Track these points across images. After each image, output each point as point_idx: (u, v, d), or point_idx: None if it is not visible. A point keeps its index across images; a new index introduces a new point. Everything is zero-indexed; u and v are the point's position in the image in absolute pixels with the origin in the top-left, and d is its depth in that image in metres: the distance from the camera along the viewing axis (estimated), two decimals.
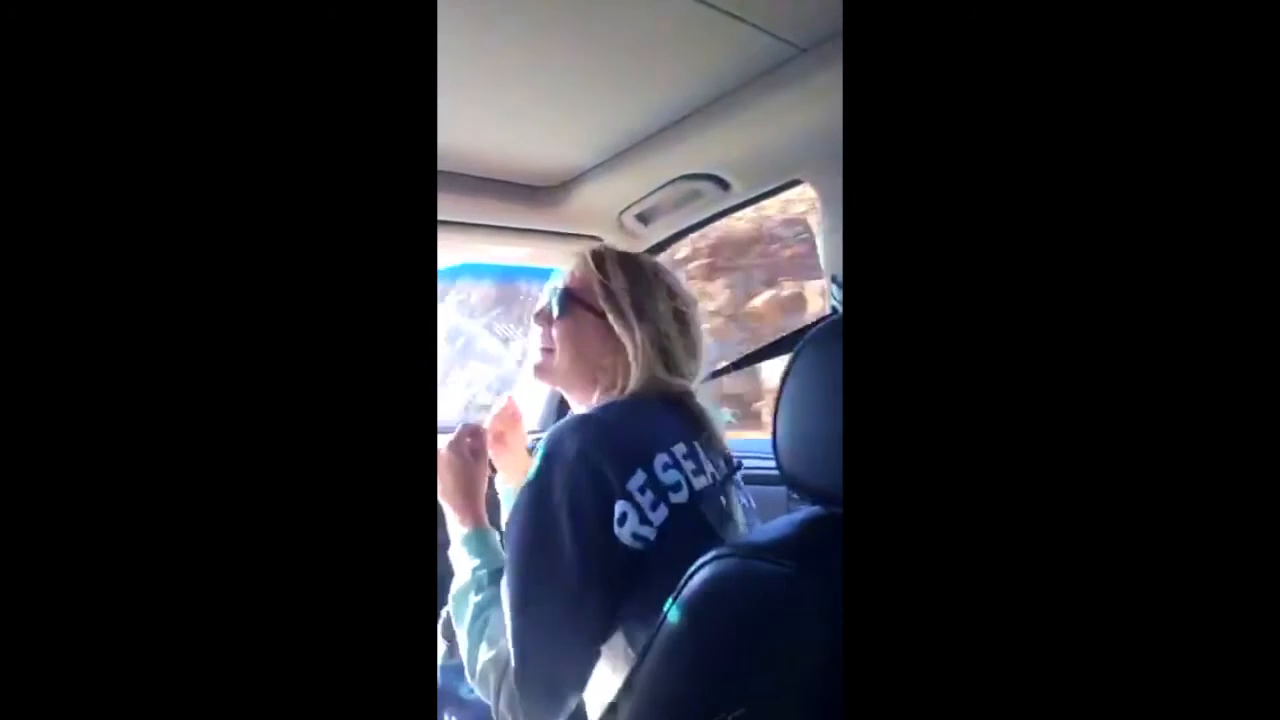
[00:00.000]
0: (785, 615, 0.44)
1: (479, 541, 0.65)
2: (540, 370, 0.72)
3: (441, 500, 0.68)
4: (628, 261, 0.69)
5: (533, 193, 1.01)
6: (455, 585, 0.64)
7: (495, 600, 0.61)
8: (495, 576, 0.62)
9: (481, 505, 0.68)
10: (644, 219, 1.12)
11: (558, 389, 0.74)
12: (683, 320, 0.68)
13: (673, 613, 0.49)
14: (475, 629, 0.60)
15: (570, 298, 0.69)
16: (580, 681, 0.57)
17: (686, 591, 0.49)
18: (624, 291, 0.66)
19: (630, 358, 0.65)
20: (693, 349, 0.68)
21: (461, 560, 0.65)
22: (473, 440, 0.71)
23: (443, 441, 0.69)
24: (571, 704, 0.58)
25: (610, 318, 0.66)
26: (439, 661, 0.76)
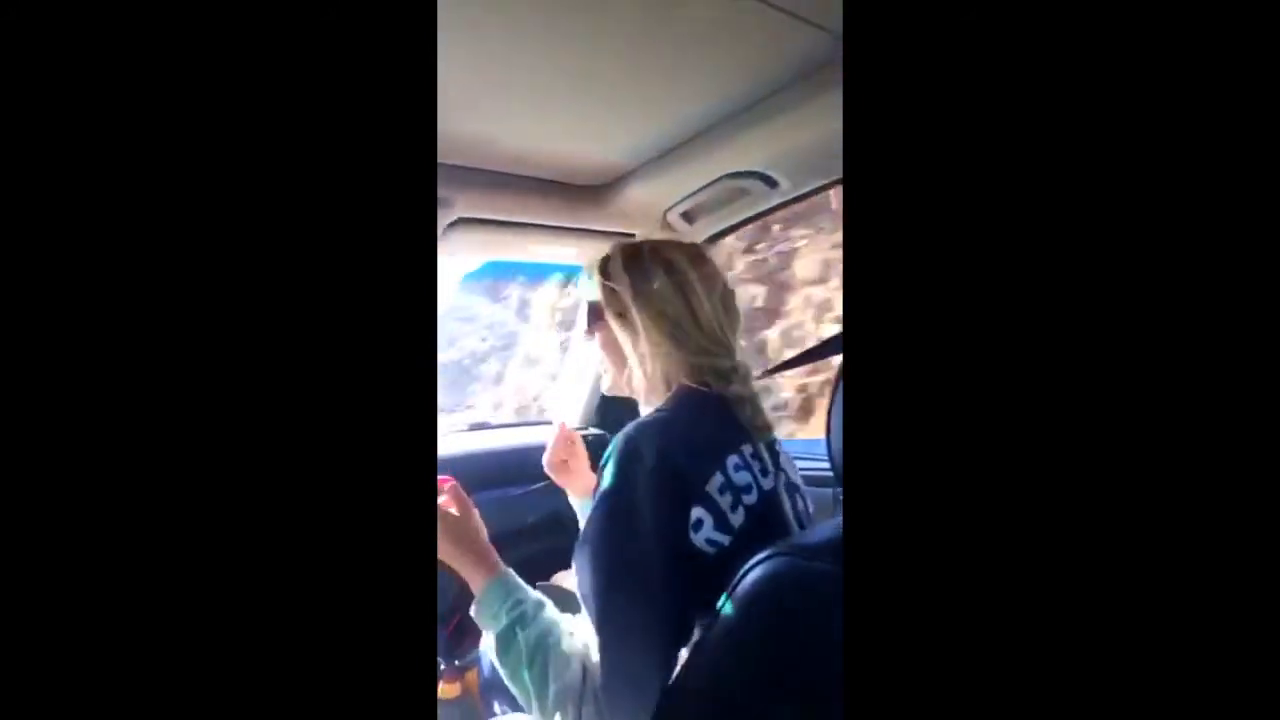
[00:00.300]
0: (837, 616, 0.44)
1: (503, 587, 0.63)
2: (613, 389, 0.74)
3: (448, 563, 0.65)
4: (628, 255, 0.69)
5: (579, 192, 1.02)
6: (494, 638, 0.61)
7: (547, 632, 0.60)
8: (536, 609, 0.62)
9: (492, 552, 0.66)
10: (689, 217, 1.12)
11: (623, 394, 0.74)
12: (683, 291, 0.65)
13: (724, 610, 0.49)
14: (536, 668, 0.58)
15: (591, 312, 0.72)
16: (661, 687, 0.55)
17: (739, 590, 0.48)
18: (625, 287, 0.66)
19: (642, 343, 0.66)
20: (695, 316, 0.65)
21: (491, 612, 0.62)
22: (452, 497, 0.69)
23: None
24: (650, 710, 0.57)
25: (616, 315, 0.68)
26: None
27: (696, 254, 0.70)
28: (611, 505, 0.57)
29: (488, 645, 0.63)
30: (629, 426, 0.60)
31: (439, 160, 0.85)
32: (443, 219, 0.91)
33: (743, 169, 0.95)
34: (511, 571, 0.66)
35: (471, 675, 1.04)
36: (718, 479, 0.57)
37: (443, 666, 1.04)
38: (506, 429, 1.53)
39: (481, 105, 0.73)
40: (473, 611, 0.64)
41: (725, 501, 0.56)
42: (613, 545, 0.57)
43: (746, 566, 0.48)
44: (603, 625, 0.56)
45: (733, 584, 0.49)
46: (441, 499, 0.69)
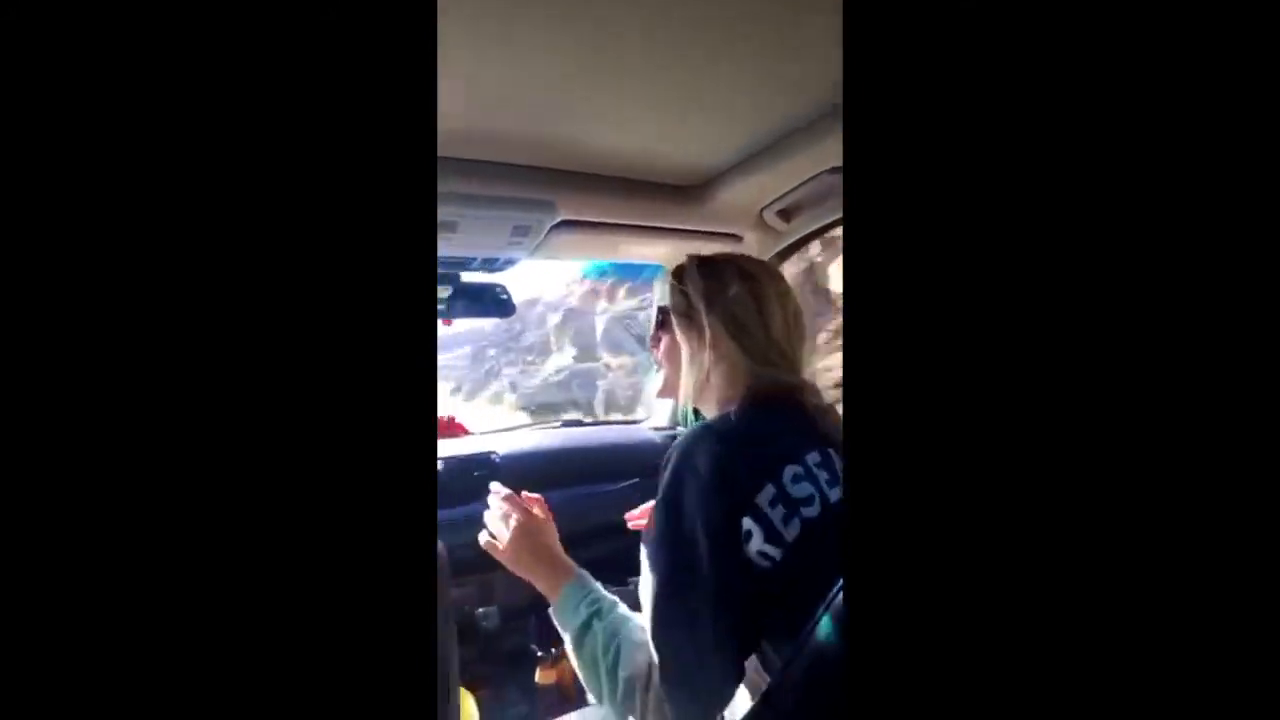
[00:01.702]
0: None
1: (579, 589, 0.68)
2: (662, 392, 0.77)
3: (530, 573, 0.71)
4: (704, 264, 0.71)
5: (676, 192, 1.02)
6: (572, 635, 0.65)
7: (620, 626, 0.63)
8: (611, 604, 0.66)
9: (565, 558, 0.72)
10: (786, 215, 1.09)
11: (669, 398, 0.78)
12: (758, 298, 0.67)
13: (822, 625, 0.47)
14: (610, 656, 0.62)
15: (661, 315, 0.74)
16: (724, 690, 0.57)
17: (836, 605, 0.47)
18: (698, 292, 0.68)
19: (710, 350, 0.66)
20: (769, 324, 0.66)
21: (571, 608, 0.67)
22: (526, 507, 0.75)
23: (498, 515, 0.74)
24: (718, 712, 0.58)
25: (688, 319, 0.69)
26: None
27: (772, 269, 0.72)
28: (664, 513, 0.58)
29: (567, 640, 0.67)
30: (687, 432, 0.61)
31: (538, 164, 0.88)
32: (547, 222, 0.94)
33: None
34: (585, 572, 0.70)
35: (566, 663, 1.07)
36: (769, 491, 0.56)
37: (540, 654, 1.07)
38: (597, 427, 1.57)
39: (579, 108, 0.75)
40: (551, 612, 0.69)
41: (777, 514, 0.55)
42: (667, 551, 0.57)
43: (844, 582, 0.46)
44: (656, 626, 0.57)
45: (829, 598, 0.48)
46: (531, 510, 0.75)
